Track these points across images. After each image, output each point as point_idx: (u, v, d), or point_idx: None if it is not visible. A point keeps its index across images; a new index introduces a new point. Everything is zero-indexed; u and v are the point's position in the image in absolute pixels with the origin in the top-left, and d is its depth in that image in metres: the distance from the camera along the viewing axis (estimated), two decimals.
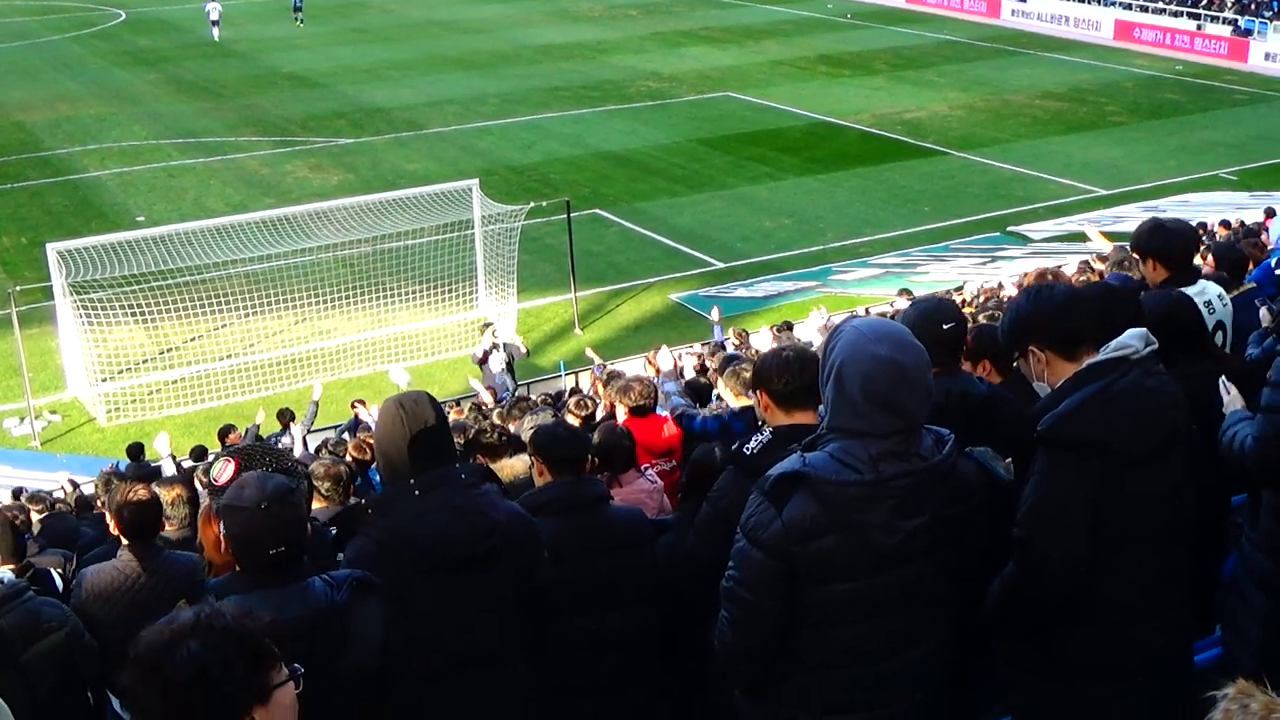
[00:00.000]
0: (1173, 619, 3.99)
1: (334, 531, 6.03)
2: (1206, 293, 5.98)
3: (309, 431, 15.72)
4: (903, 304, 17.12)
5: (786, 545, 3.44)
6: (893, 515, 3.43)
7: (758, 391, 4.64)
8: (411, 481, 4.13)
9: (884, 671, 3.57)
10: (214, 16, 52.40)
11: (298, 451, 13.35)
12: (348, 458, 10.96)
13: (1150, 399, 3.86)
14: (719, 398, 8.86)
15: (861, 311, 18.76)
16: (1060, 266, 17.93)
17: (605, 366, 17.34)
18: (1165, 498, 3.87)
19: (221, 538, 3.72)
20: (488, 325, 19.49)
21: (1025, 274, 16.11)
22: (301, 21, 54.95)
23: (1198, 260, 11.18)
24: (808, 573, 3.46)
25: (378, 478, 10.45)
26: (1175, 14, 48.27)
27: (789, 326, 18.30)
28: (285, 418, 16.33)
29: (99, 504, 12.85)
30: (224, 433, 15.75)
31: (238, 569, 3.75)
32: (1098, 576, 3.80)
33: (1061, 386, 3.93)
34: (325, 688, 3.60)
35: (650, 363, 13.23)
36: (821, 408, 3.63)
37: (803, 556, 3.44)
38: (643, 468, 6.77)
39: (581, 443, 5.45)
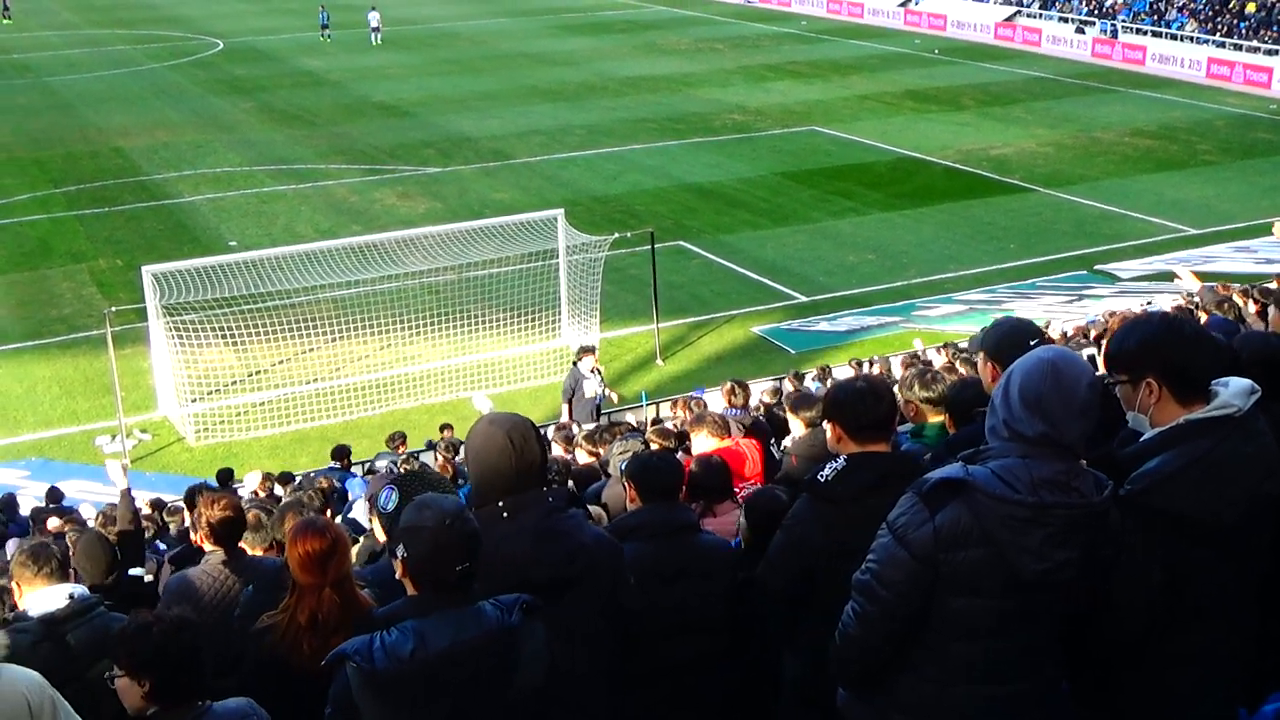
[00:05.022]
0: (1232, 675, 3.91)
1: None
2: None
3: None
4: None
5: (935, 550, 3.47)
6: (1045, 543, 3.43)
7: (829, 423, 4.63)
8: (499, 505, 4.19)
9: (997, 694, 3.57)
10: (374, 24, 57.35)
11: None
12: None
13: (1246, 469, 3.70)
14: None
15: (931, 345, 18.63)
16: (1150, 304, 17.71)
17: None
18: (1241, 562, 3.78)
19: (400, 562, 3.76)
20: (589, 351, 19.30)
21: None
22: (330, 38, 57.70)
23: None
24: (948, 581, 3.48)
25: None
26: (1270, 52, 47.51)
27: (869, 362, 18.21)
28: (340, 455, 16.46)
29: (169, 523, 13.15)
30: (341, 453, 16.24)
31: (413, 593, 3.77)
32: (1164, 628, 3.74)
33: (1159, 438, 3.76)
34: (498, 709, 3.67)
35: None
36: (987, 420, 3.68)
37: (947, 564, 3.46)
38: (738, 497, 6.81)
39: (675, 470, 5.49)
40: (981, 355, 4.91)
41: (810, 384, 17.23)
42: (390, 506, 4.77)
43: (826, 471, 4.48)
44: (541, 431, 4.47)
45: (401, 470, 11.85)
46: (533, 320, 23.14)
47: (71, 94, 47.29)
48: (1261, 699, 4.22)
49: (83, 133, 40.81)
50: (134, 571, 8.02)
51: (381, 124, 41.88)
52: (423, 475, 5.55)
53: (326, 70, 51.62)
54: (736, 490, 7.03)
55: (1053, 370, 3.52)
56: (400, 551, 3.74)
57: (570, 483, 9.61)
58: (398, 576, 3.80)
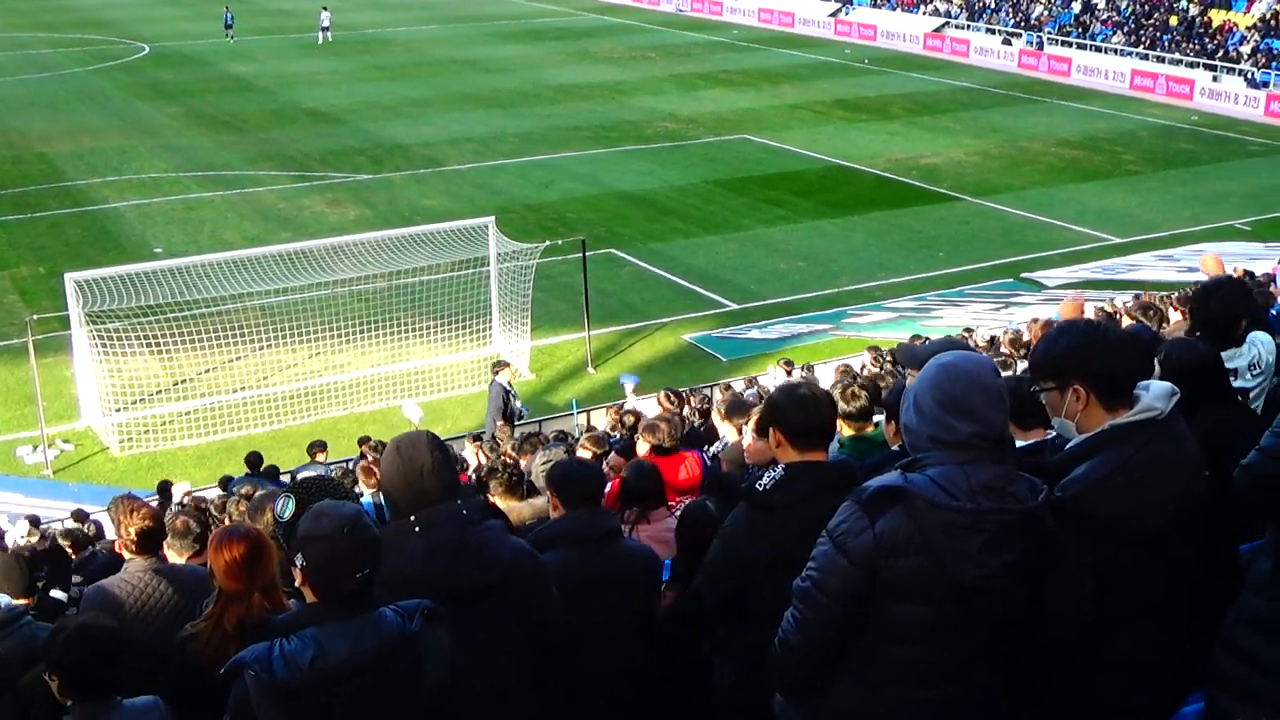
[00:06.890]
0: (1157, 681, 3.95)
1: None
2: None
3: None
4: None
5: (875, 557, 3.46)
6: (982, 550, 3.44)
7: (770, 429, 4.63)
8: (412, 519, 4.16)
9: (928, 697, 3.58)
10: (325, 23, 58.12)
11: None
12: (359, 489, 11.00)
13: (1171, 472, 3.76)
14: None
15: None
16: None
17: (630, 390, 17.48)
18: (1169, 566, 3.82)
19: (299, 571, 3.74)
20: (503, 365, 19.28)
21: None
22: (232, 38, 58.57)
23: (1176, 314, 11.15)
24: (887, 588, 3.48)
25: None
26: (1191, 64, 48.40)
27: (809, 367, 18.27)
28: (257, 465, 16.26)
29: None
30: (255, 461, 16.08)
31: (312, 600, 3.74)
32: (1094, 631, 3.78)
33: (1086, 443, 3.81)
34: (400, 717, 3.63)
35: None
36: (906, 440, 3.68)
37: (887, 570, 3.46)
38: (671, 505, 6.79)
39: (597, 477, 5.47)
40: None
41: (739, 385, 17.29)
42: (286, 515, 4.74)
43: (765, 480, 4.47)
44: (446, 444, 4.45)
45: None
46: (464, 328, 23.02)
47: None
48: (1182, 700, 4.28)
49: (4, 137, 40.11)
50: (55, 594, 7.90)
51: (311, 130, 41.53)
52: (320, 482, 5.50)
53: (255, 75, 51.10)
54: (671, 502, 7.00)
55: (958, 370, 3.56)
56: (299, 560, 3.72)
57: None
58: (297, 585, 3.77)
